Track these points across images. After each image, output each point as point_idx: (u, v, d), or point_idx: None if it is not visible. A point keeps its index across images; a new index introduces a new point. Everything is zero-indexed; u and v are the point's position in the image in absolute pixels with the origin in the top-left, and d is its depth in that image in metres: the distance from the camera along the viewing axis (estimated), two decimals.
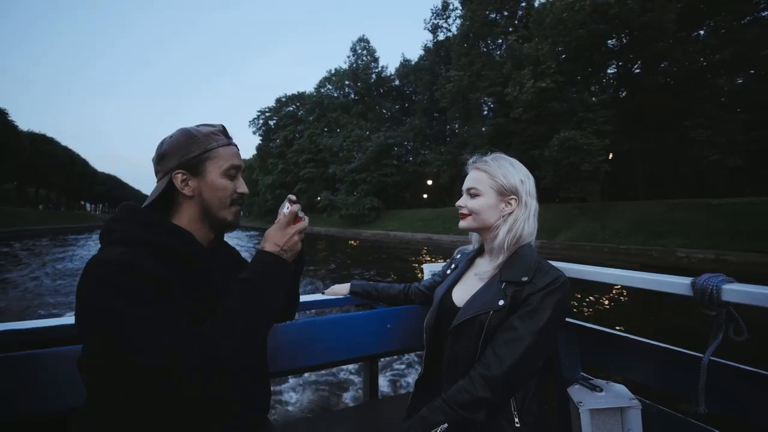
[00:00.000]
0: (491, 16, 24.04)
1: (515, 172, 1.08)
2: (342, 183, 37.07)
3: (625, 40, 16.56)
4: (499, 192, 1.07)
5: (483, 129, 21.91)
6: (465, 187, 1.13)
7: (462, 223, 1.13)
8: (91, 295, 0.67)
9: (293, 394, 3.69)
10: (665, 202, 16.12)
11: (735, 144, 14.19)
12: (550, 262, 1.07)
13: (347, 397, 3.62)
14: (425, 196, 35.35)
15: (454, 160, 26.03)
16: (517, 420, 0.94)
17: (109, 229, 0.78)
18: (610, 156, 17.80)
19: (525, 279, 0.97)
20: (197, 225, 0.87)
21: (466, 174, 1.15)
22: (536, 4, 19.92)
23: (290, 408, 3.45)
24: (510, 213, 1.07)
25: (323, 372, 3.98)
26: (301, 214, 0.91)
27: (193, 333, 0.69)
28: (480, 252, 1.21)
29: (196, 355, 0.66)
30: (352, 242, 26.69)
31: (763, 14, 14.09)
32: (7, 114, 36.24)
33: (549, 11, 16.81)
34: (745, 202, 13.71)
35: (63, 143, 52.42)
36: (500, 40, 21.64)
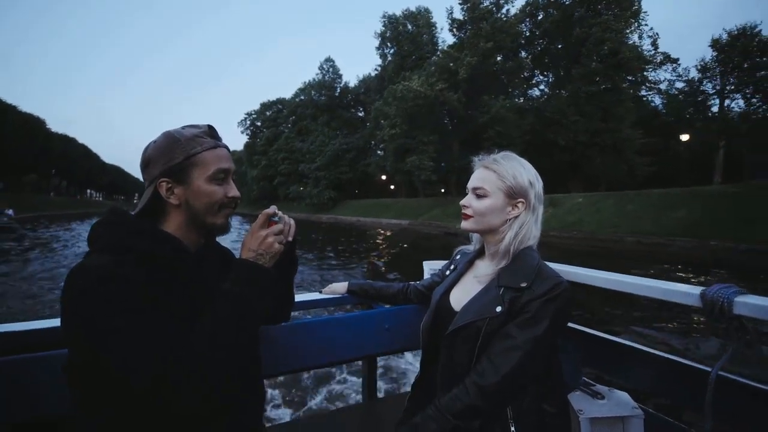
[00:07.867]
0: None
1: (525, 173, 1.02)
2: (308, 178, 47.68)
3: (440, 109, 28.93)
4: (508, 194, 1.00)
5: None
6: (471, 185, 1.05)
7: (464, 224, 1.05)
8: (74, 305, 0.66)
9: (290, 396, 3.59)
10: None
11: None
12: (552, 265, 1.01)
13: (346, 398, 3.57)
14: (392, 187, 45.30)
15: (381, 163, 37.73)
16: (513, 428, 0.90)
17: (96, 234, 0.77)
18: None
19: (524, 285, 0.91)
20: (185, 231, 0.85)
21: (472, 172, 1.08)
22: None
23: (287, 410, 3.38)
24: (516, 217, 1.00)
25: (321, 372, 3.89)
26: (276, 218, 0.87)
27: (177, 345, 0.67)
28: (480, 253, 1.14)
29: (182, 368, 0.65)
30: (323, 225, 37.54)
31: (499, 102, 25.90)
32: (45, 122, 46.38)
33: (394, 90, 28.96)
34: None
35: (64, 130, 62.57)
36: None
